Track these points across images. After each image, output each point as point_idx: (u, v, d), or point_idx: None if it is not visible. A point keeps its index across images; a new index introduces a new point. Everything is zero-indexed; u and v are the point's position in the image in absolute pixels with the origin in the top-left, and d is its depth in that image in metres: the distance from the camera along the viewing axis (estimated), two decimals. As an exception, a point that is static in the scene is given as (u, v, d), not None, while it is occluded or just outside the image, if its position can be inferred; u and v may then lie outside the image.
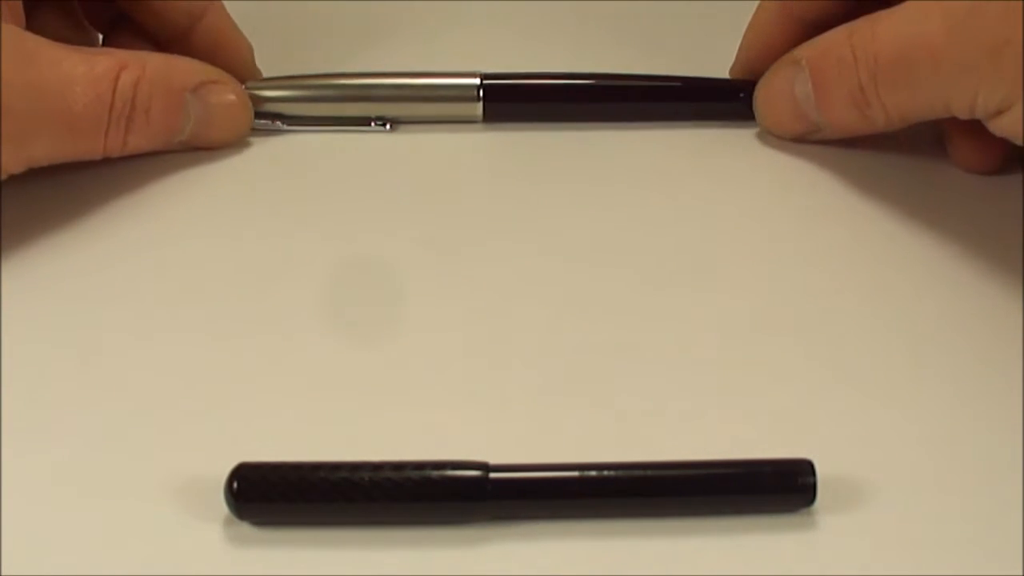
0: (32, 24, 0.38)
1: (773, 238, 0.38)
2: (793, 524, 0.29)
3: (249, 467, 0.29)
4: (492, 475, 0.28)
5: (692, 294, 0.35)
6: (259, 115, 0.42)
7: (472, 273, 0.36)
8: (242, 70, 0.41)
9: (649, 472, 0.29)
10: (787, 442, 0.30)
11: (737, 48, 0.43)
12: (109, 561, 0.28)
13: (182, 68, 0.39)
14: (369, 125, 0.42)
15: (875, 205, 0.38)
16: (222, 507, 0.29)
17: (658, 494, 0.29)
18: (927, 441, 0.31)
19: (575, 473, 0.29)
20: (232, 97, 0.40)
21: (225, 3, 0.41)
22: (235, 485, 0.29)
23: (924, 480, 0.30)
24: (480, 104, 0.42)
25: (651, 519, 0.29)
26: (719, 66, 0.43)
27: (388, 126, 0.42)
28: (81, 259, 0.36)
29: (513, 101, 0.43)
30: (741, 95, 0.42)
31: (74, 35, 0.41)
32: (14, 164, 0.35)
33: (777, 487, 0.29)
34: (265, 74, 0.43)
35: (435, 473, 0.28)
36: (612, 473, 0.29)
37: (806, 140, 0.41)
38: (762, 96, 0.41)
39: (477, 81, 0.42)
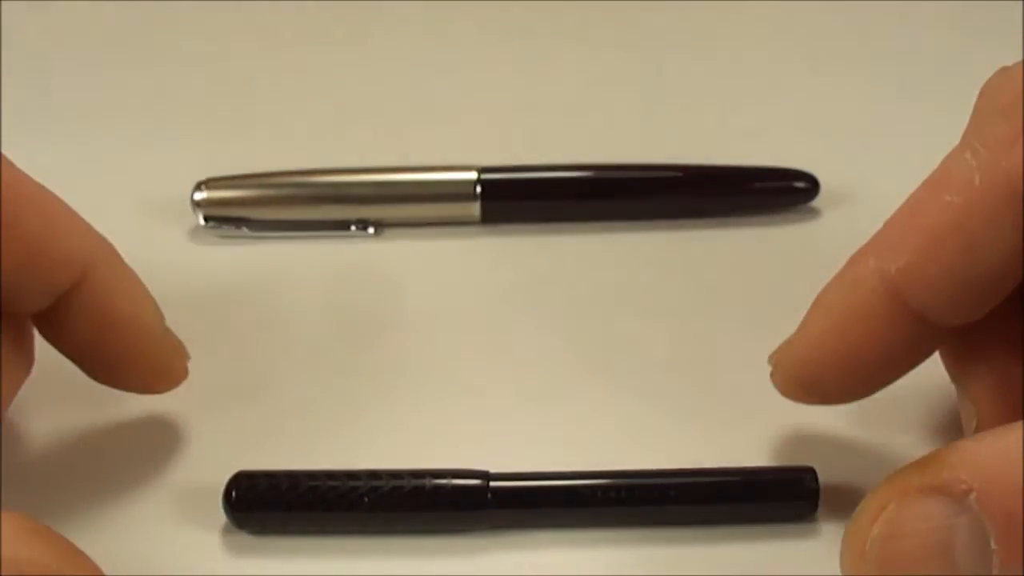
0: None
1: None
2: (796, 532, 0.30)
3: (247, 476, 0.29)
4: (493, 484, 0.29)
5: (695, 309, 0.36)
6: (218, 220, 0.38)
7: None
8: (147, 353, 0.30)
9: (651, 480, 0.30)
10: (790, 450, 0.31)
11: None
12: (107, 568, 0.27)
13: None
14: (349, 229, 0.38)
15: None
16: (221, 516, 0.29)
17: (659, 502, 0.29)
18: (927, 450, 0.29)
19: (576, 482, 0.29)
20: None
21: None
22: (233, 494, 0.29)
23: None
24: (478, 203, 0.38)
25: (652, 528, 0.29)
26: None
27: (372, 230, 0.38)
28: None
29: (517, 199, 0.39)
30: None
31: None
32: None
33: (780, 495, 0.30)
34: (226, 172, 0.39)
35: (435, 482, 0.29)
36: (613, 481, 0.29)
37: None
38: (878, 554, 0.24)
39: (474, 176, 0.39)
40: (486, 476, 0.29)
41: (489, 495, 0.29)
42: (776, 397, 0.30)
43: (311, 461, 0.30)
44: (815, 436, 0.32)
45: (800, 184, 0.39)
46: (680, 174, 0.40)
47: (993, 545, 0.23)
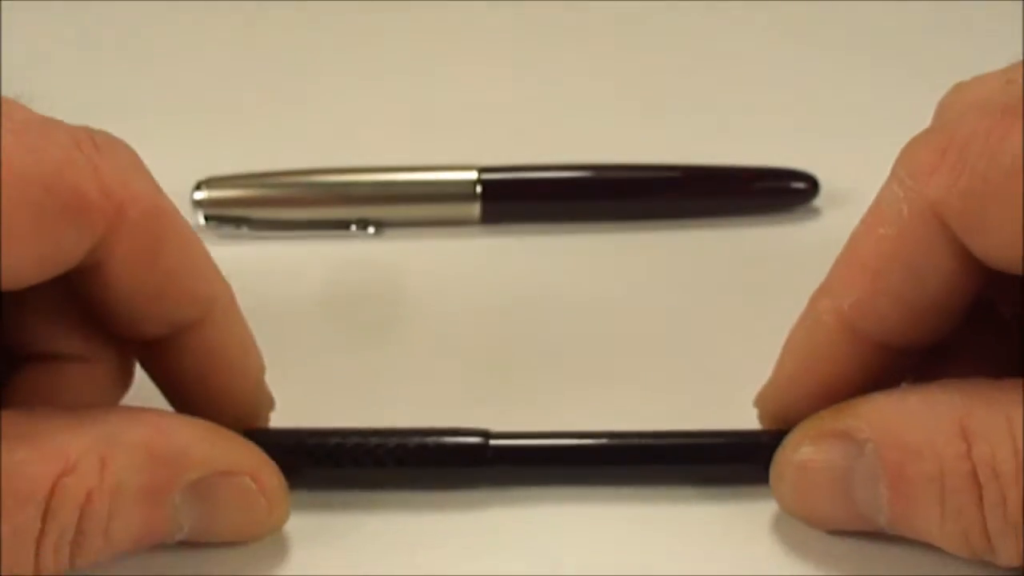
0: None
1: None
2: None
3: (257, 433, 0.29)
4: (492, 442, 0.30)
5: (695, 309, 0.36)
6: (218, 219, 0.38)
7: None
8: (242, 401, 0.29)
9: (646, 440, 0.30)
10: None
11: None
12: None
13: (174, 453, 0.26)
14: (349, 229, 0.38)
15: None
16: None
17: (654, 461, 0.30)
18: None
19: (573, 441, 0.30)
20: (250, 487, 0.27)
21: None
22: None
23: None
24: (478, 203, 0.38)
25: (647, 486, 0.30)
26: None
27: (372, 230, 0.38)
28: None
29: (517, 199, 0.39)
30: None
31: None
32: None
33: (772, 456, 0.29)
34: (226, 171, 0.39)
35: (439, 439, 0.29)
36: (608, 441, 0.30)
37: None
38: (793, 480, 0.28)
39: (474, 176, 0.39)
40: (486, 435, 0.30)
41: (489, 452, 0.29)
42: (767, 364, 0.30)
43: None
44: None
45: (800, 184, 0.39)
46: (680, 174, 0.40)
47: (883, 488, 0.26)
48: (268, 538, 0.28)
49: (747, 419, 0.31)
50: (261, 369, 0.29)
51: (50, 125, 0.25)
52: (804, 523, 0.28)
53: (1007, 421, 0.24)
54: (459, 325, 0.35)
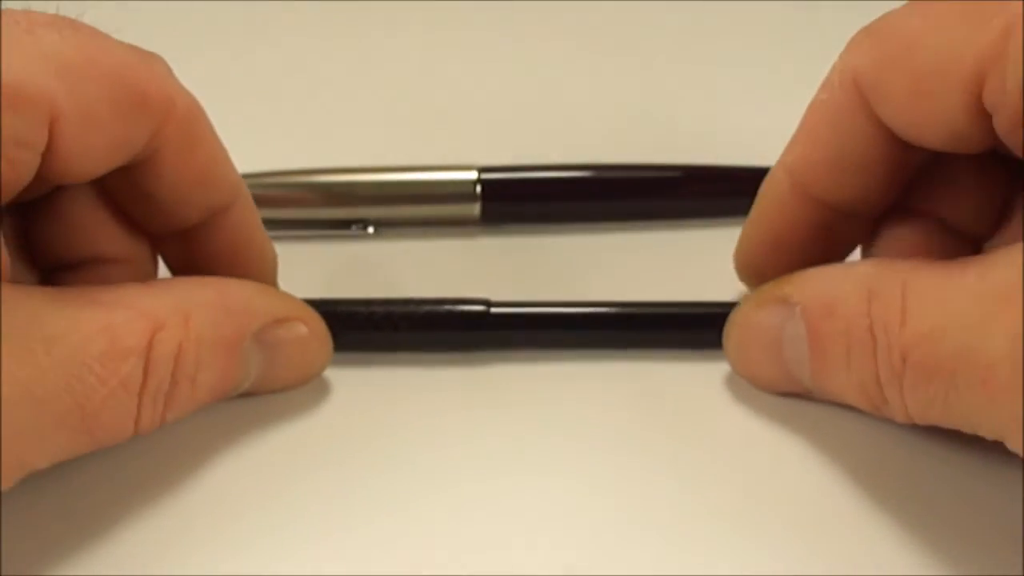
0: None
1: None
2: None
3: None
4: (492, 310, 0.33)
5: None
6: None
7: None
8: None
9: (626, 309, 0.33)
10: (793, 443, 0.31)
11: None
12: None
13: (240, 308, 0.30)
14: (349, 229, 0.38)
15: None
16: None
17: (630, 327, 0.33)
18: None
19: (562, 309, 0.34)
20: (303, 331, 0.32)
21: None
22: None
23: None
24: (478, 203, 0.38)
25: (628, 349, 0.33)
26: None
27: (372, 230, 0.38)
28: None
29: (517, 199, 0.39)
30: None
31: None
32: (4, 480, 0.26)
33: None
34: None
35: (449, 308, 0.33)
36: (593, 309, 0.34)
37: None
38: (737, 340, 0.32)
39: (474, 176, 0.38)
40: (487, 303, 0.33)
41: (489, 318, 0.33)
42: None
43: (311, 458, 0.30)
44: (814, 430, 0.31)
45: (800, 184, 0.39)
46: (680, 174, 0.39)
47: (804, 347, 0.30)
48: (306, 389, 0.32)
49: (749, 424, 0.32)
50: (275, 255, 0.33)
51: (107, 35, 0.28)
52: (748, 383, 0.32)
53: (901, 283, 0.27)
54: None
